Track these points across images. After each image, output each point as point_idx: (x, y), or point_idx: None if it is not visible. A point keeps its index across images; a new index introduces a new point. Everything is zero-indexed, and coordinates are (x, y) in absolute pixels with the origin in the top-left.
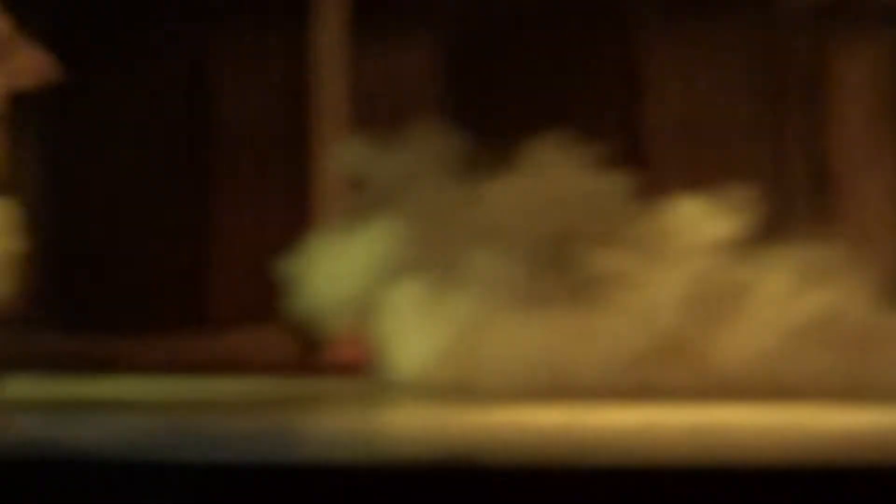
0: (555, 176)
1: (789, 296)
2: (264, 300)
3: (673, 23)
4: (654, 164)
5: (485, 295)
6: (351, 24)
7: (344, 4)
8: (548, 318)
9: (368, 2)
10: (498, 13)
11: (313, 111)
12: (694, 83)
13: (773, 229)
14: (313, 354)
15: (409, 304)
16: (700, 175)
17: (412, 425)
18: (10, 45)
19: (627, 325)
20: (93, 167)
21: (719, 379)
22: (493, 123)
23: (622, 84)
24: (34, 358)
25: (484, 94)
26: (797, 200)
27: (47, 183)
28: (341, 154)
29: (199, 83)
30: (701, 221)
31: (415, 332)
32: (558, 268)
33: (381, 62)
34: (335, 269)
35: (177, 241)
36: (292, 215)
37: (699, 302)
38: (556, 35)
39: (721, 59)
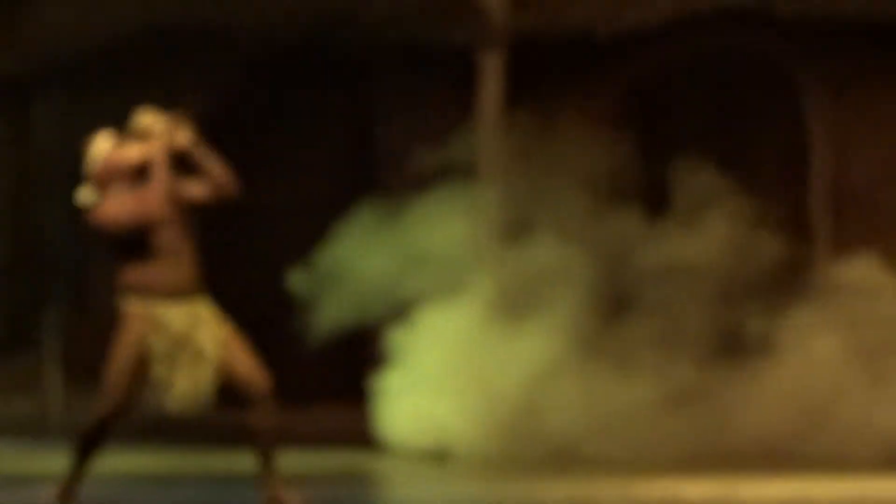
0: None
1: None
2: None
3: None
4: (823, 226)
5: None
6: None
7: (503, 69)
8: (703, 380)
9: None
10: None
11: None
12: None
13: None
14: None
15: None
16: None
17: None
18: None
19: (784, 390)
20: (254, 235)
21: (883, 447)
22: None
23: (791, 148)
24: (191, 429)
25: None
26: None
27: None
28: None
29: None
30: (865, 284)
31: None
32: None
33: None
34: None
35: None
36: None
37: (859, 365)
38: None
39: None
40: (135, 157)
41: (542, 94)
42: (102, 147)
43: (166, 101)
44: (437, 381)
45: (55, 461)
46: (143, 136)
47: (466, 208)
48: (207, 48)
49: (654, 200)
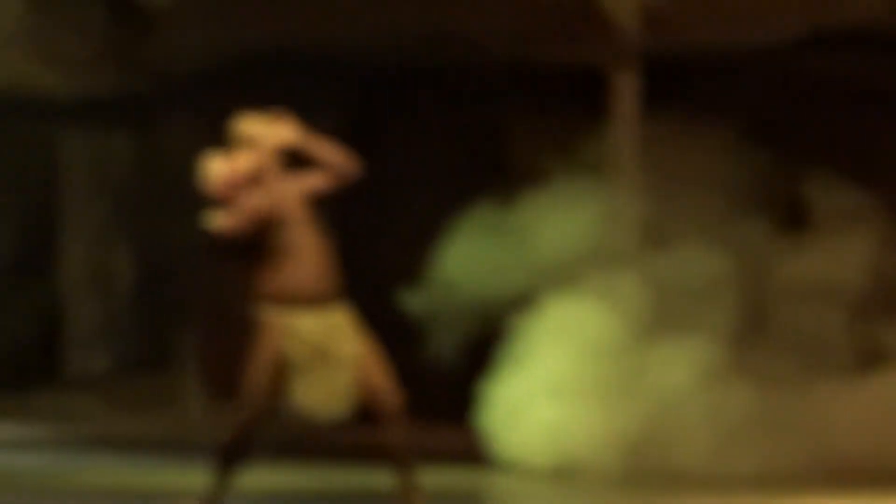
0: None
1: None
2: None
3: None
4: None
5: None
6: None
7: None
8: (837, 397)
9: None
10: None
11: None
12: None
13: None
14: None
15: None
16: None
17: None
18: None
19: None
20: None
21: None
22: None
23: None
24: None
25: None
26: None
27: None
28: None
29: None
30: None
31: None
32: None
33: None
34: None
35: None
36: None
37: None
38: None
39: None
40: (247, 166)
41: (674, 112)
42: (215, 167)
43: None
44: (562, 392)
45: (196, 477)
46: (248, 143)
47: (599, 220)
48: (331, 69)
49: (786, 215)
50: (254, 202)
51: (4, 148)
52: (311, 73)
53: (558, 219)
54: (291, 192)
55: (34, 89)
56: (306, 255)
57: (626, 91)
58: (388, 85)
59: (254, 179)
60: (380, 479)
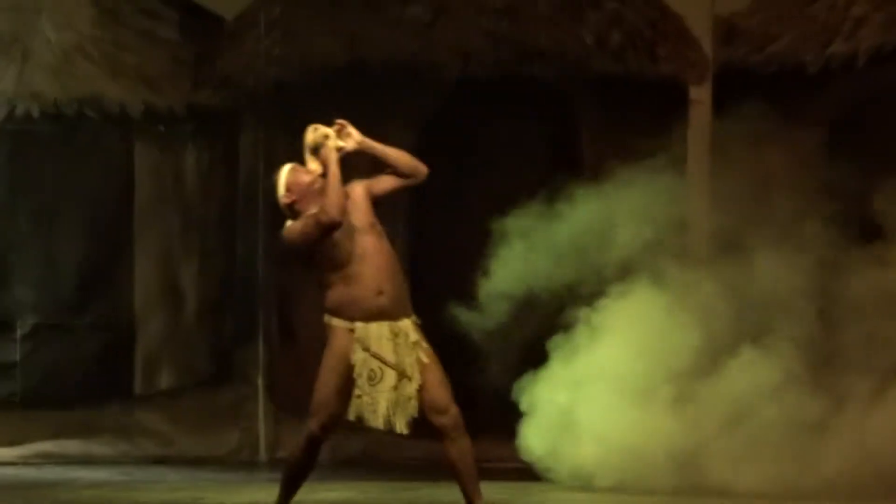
0: None
1: None
2: None
3: None
4: None
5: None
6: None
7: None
8: None
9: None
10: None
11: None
12: None
13: None
14: None
15: None
16: None
17: None
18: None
19: None
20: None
21: None
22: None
23: None
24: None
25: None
26: None
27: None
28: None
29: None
30: None
31: None
32: None
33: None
34: None
35: None
36: None
37: None
38: None
39: None
40: (314, 174)
41: (749, 125)
42: (284, 177)
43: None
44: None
45: (264, 493)
46: (314, 151)
47: (674, 227)
48: (410, 82)
49: (861, 227)
50: (308, 214)
51: (76, 162)
52: (387, 85)
53: (635, 225)
54: (359, 199)
55: (105, 103)
56: (374, 264)
57: (701, 103)
58: (463, 98)
59: (321, 188)
60: (444, 493)
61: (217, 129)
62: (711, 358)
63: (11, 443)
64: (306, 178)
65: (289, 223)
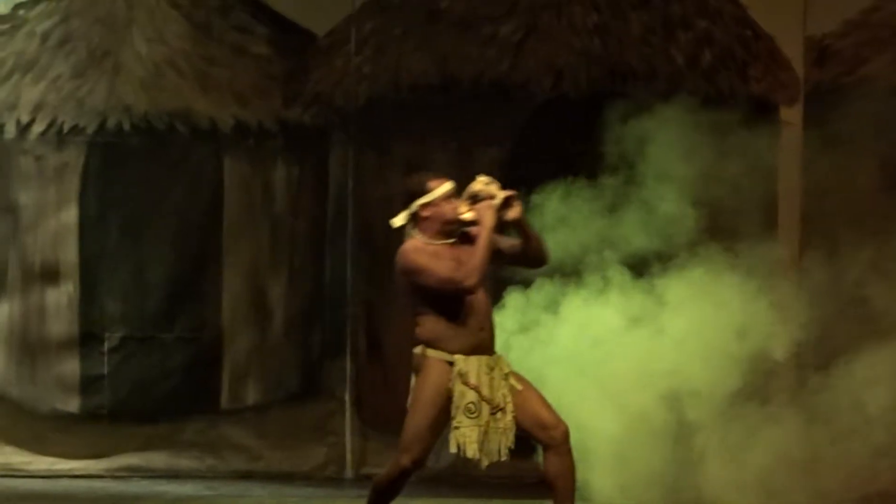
0: None
1: None
2: None
3: None
4: None
5: None
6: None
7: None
8: None
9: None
10: None
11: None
12: None
13: None
14: None
15: None
16: None
17: None
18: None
19: None
20: None
21: None
22: None
23: None
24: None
25: None
26: None
27: None
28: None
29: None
30: None
31: None
32: None
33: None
34: None
35: None
36: None
37: None
38: None
39: None
40: (466, 215)
41: (839, 144)
42: (437, 196)
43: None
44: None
45: None
46: (473, 199)
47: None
48: (499, 101)
49: None
50: (449, 262)
51: (165, 175)
52: (477, 105)
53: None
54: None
55: (195, 117)
56: (479, 300)
57: (792, 123)
58: (551, 117)
59: (452, 228)
60: None
61: (306, 144)
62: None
63: (98, 455)
64: (449, 211)
65: (416, 261)
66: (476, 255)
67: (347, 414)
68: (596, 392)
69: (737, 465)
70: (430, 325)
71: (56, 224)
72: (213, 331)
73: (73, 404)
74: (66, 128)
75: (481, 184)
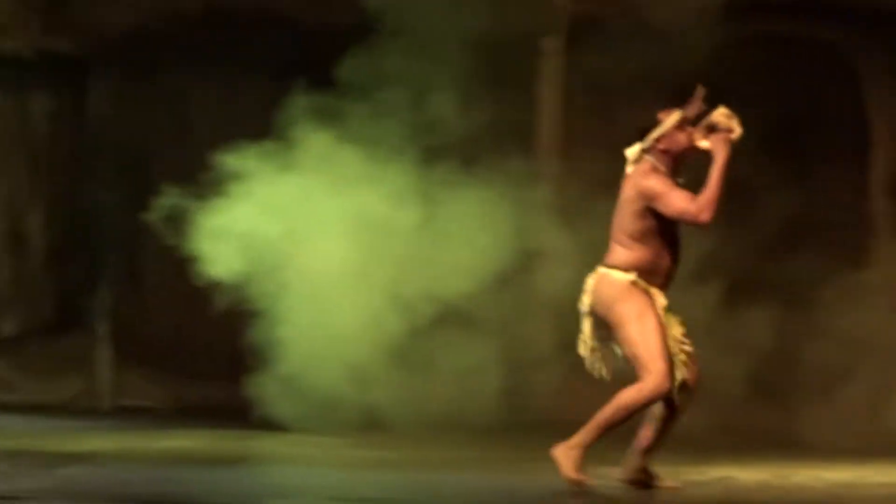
0: None
1: None
2: None
3: None
4: None
5: None
6: None
7: None
8: None
9: None
10: None
11: None
12: None
13: None
14: None
15: None
16: None
17: None
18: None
19: None
20: None
21: None
22: None
23: None
24: None
25: None
26: None
27: None
28: None
29: None
30: None
31: None
32: None
33: None
34: None
35: None
36: None
37: None
38: None
39: None
40: (702, 143)
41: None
42: (669, 123)
43: None
44: None
45: (104, 441)
46: (710, 127)
47: None
48: (263, 30)
49: None
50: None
51: None
52: (245, 32)
53: None
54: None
55: None
56: (674, 246)
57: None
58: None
59: (680, 158)
60: None
61: (66, 74)
62: None
63: None
64: (684, 139)
65: (657, 184)
66: (710, 189)
67: (104, 345)
68: None
69: None
70: (640, 253)
71: None
72: None
73: None
74: None
75: (722, 116)
